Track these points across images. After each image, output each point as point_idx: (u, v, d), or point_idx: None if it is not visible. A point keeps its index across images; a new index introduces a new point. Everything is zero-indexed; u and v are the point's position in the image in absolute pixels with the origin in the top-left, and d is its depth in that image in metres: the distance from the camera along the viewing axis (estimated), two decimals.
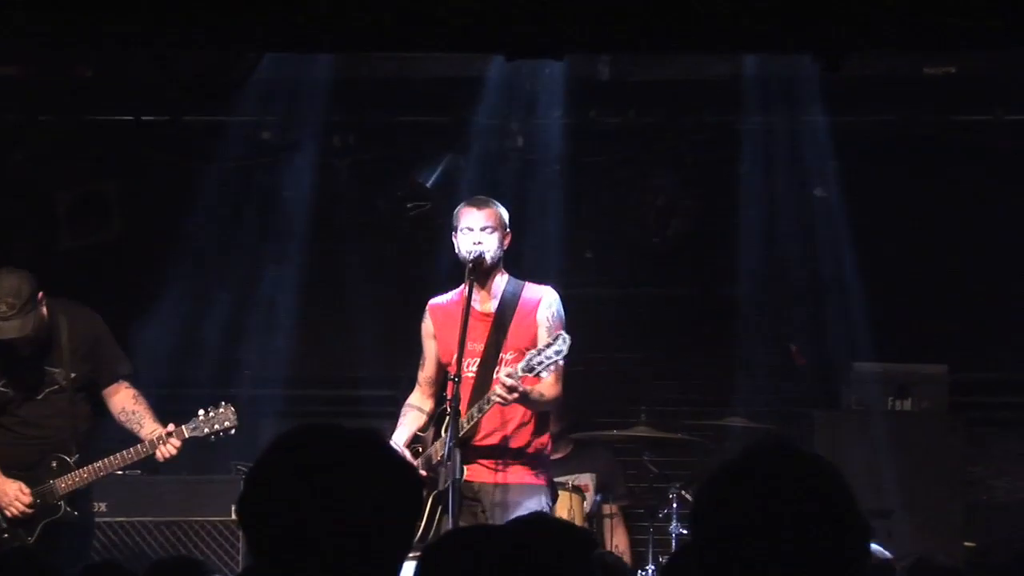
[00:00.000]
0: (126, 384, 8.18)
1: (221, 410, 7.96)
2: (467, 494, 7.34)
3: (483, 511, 7.40)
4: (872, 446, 9.30)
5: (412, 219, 10.15)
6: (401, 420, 7.73)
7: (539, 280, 7.73)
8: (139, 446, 7.98)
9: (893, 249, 10.12)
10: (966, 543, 9.43)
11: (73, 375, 8.08)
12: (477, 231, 7.46)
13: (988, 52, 8.33)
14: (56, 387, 8.08)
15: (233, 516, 9.16)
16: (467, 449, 7.37)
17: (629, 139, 10.25)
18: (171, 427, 7.92)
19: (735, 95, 9.60)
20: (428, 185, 10.00)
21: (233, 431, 7.99)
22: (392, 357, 9.95)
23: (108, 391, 8.17)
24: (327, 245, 10.57)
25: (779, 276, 10.36)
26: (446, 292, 7.70)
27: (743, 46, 5.99)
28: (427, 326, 7.72)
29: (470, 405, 7.36)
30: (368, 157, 10.28)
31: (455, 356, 7.37)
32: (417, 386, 7.79)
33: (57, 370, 8.08)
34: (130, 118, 9.89)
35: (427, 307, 7.74)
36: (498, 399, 7.10)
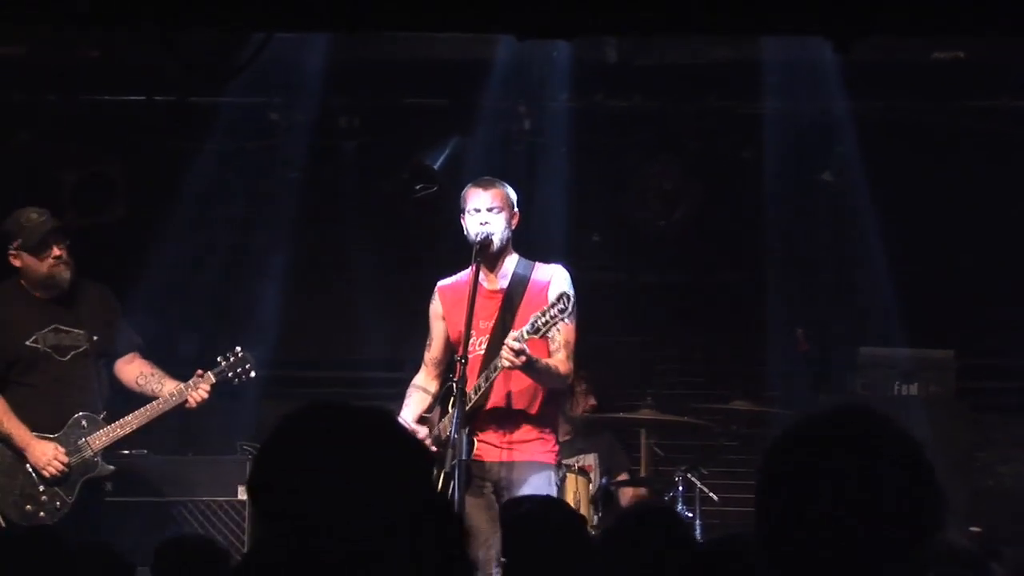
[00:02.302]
0: (140, 355, 8.40)
1: (240, 355, 8.31)
2: (475, 472, 7.34)
3: (491, 489, 7.40)
4: None
5: (418, 202, 10.14)
6: (407, 400, 7.74)
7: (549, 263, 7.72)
8: (168, 396, 8.20)
9: (900, 234, 10.09)
10: (972, 528, 9.43)
11: (96, 337, 8.27)
12: (484, 212, 7.46)
13: (998, 37, 8.29)
14: (81, 349, 8.28)
15: (239, 496, 9.19)
16: (476, 425, 7.38)
17: (635, 123, 10.23)
18: (199, 372, 8.19)
19: (743, 79, 9.58)
20: (435, 167, 9.99)
21: (253, 374, 8.31)
22: (397, 339, 9.96)
23: (123, 360, 8.39)
24: (333, 227, 10.57)
25: (786, 261, 10.35)
26: (455, 273, 7.69)
27: (754, 28, 5.97)
28: (435, 307, 7.72)
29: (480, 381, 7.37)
30: (374, 139, 10.27)
31: (463, 336, 7.36)
32: (423, 366, 7.78)
33: (80, 332, 8.27)
34: (136, 98, 9.88)
35: (436, 288, 7.74)
36: (505, 363, 7.08)
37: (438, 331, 7.71)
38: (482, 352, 7.47)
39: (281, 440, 2.84)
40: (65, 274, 8.23)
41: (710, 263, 10.67)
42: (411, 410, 7.69)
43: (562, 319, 7.08)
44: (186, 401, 8.19)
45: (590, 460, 9.42)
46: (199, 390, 8.17)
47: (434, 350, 7.73)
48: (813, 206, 10.28)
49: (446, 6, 5.63)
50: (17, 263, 8.27)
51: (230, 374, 8.28)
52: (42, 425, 8.19)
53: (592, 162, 10.33)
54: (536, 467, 7.45)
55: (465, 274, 7.56)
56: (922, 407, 9.72)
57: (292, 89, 9.81)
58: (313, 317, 10.79)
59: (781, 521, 2.59)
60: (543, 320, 7.02)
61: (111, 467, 8.32)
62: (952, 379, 9.89)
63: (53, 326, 8.25)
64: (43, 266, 8.21)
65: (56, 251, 8.17)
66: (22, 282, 8.31)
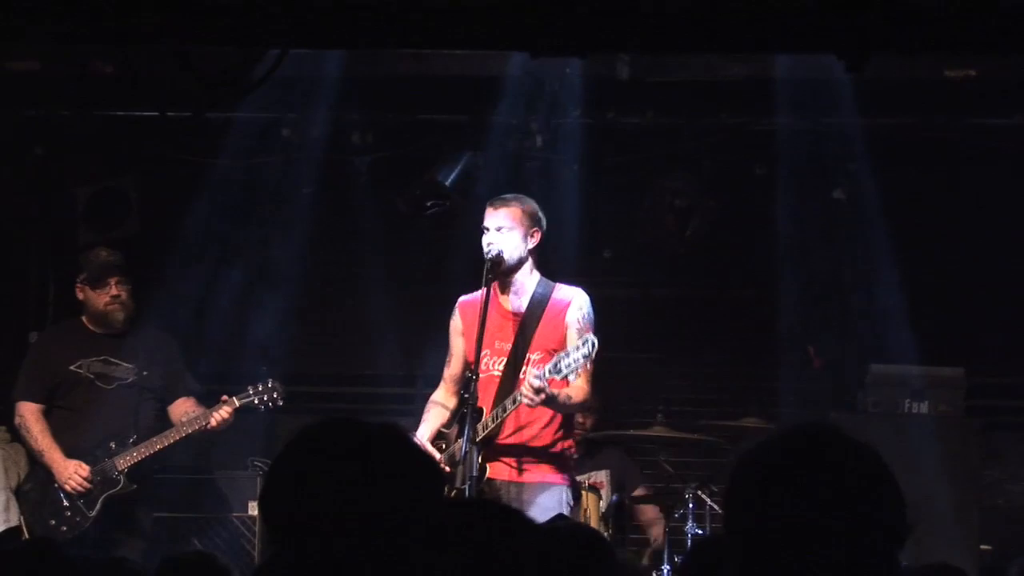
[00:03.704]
0: (194, 400, 8.68)
1: (270, 385, 8.51)
2: (487, 491, 7.33)
3: None
4: (888, 449, 9.28)
5: (431, 218, 10.16)
6: (425, 416, 7.74)
7: (560, 279, 7.72)
8: (194, 418, 8.46)
9: (911, 252, 10.09)
10: (982, 547, 9.42)
11: (145, 373, 8.61)
12: (492, 231, 7.48)
13: (1010, 56, 8.30)
14: (127, 381, 8.60)
15: (250, 512, 9.22)
16: (490, 447, 7.38)
17: (647, 139, 10.23)
18: (224, 397, 8.44)
19: (754, 96, 9.59)
20: (447, 184, 10.00)
21: (281, 403, 8.52)
22: (410, 355, 9.97)
23: (175, 404, 8.70)
24: (346, 243, 10.58)
25: (797, 278, 10.34)
26: (475, 290, 7.68)
27: (767, 47, 5.99)
28: (455, 323, 7.72)
29: (496, 403, 7.36)
30: (387, 155, 10.28)
31: (476, 354, 7.37)
32: (442, 382, 7.79)
33: (130, 365, 8.62)
34: (150, 114, 9.90)
35: (456, 304, 7.74)
36: (525, 400, 7.08)
37: (457, 348, 7.71)
38: (499, 373, 7.48)
39: (292, 456, 2.86)
40: (119, 314, 8.67)
41: (722, 280, 10.68)
42: (428, 426, 7.70)
43: (585, 364, 7.10)
44: (208, 424, 8.41)
45: (601, 476, 9.41)
46: (220, 411, 8.39)
47: (453, 367, 7.74)
48: (825, 223, 10.28)
49: (459, 23, 5.65)
50: (80, 296, 8.77)
51: (255, 400, 8.49)
52: (78, 447, 8.50)
53: (604, 179, 10.34)
54: (547, 488, 7.46)
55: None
56: (932, 425, 9.71)
57: (305, 105, 9.83)
58: (325, 332, 10.81)
59: (748, 537, 2.63)
60: (566, 363, 7.03)
61: (134, 485, 8.51)
62: (962, 397, 9.87)
63: (103, 357, 8.62)
64: (100, 302, 8.65)
65: (114, 289, 8.63)
66: (83, 318, 8.78)
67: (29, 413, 8.63)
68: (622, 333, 10.37)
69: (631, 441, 9.70)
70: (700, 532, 8.92)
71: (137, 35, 5.88)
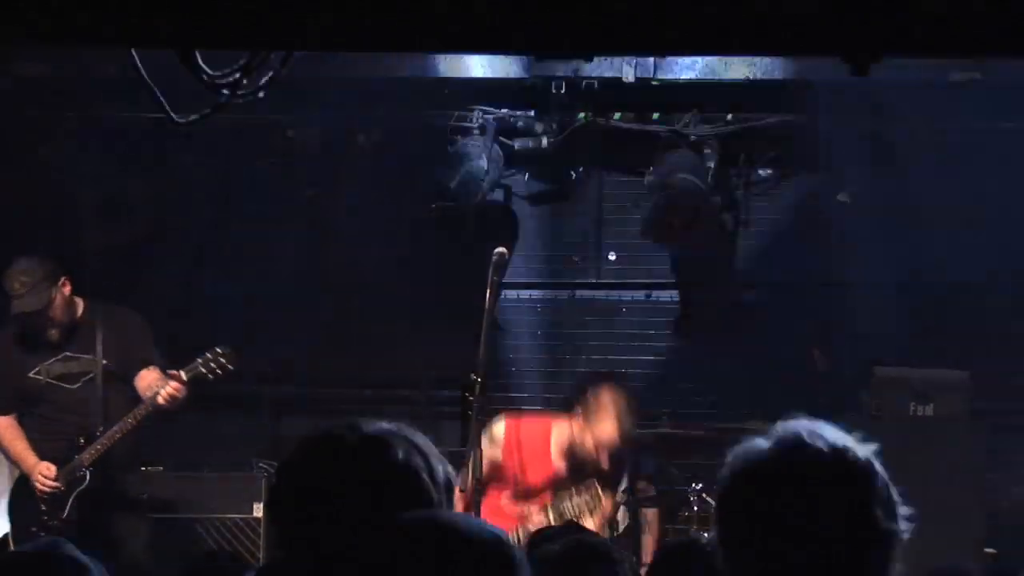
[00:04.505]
0: (157, 370, 8.41)
1: (219, 351, 8.22)
2: None
3: None
4: (893, 452, 9.26)
5: (436, 218, 10.16)
6: None
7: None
8: (144, 402, 8.26)
9: (916, 254, 10.09)
10: (987, 550, 9.41)
11: (105, 362, 8.43)
12: None
13: (1016, 60, 8.29)
14: (91, 375, 8.47)
15: (255, 513, 9.22)
16: None
17: (652, 140, 10.23)
18: (171, 372, 8.21)
19: (759, 97, 9.59)
20: (452, 185, 10.00)
21: (231, 367, 8.22)
22: (415, 356, 9.97)
23: (138, 378, 8.47)
24: (350, 244, 10.58)
25: (802, 280, 10.35)
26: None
27: (772, 49, 5.98)
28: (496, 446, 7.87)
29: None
30: (393, 156, 10.28)
31: None
32: None
33: (90, 356, 8.46)
34: (155, 116, 9.89)
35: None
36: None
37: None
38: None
39: (302, 460, 2.86)
40: (53, 335, 8.48)
41: (726, 282, 10.67)
42: None
43: None
44: (156, 402, 8.21)
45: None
46: (167, 388, 8.17)
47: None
48: (830, 225, 10.27)
49: (466, 25, 5.65)
50: None
51: (204, 370, 8.24)
52: (53, 451, 8.44)
53: (608, 180, 10.35)
54: None
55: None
56: (937, 428, 9.70)
57: (310, 106, 9.84)
58: (330, 334, 10.80)
59: (741, 547, 2.64)
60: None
61: (98, 482, 8.39)
62: (967, 400, 9.86)
63: (62, 355, 8.49)
64: (28, 326, 8.48)
65: (32, 319, 8.38)
66: None
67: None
68: (627, 335, 10.38)
69: (636, 442, 9.69)
70: (705, 534, 8.92)
71: (142, 38, 5.89)
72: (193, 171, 10.15)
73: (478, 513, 7.13)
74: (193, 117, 6.20)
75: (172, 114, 6.18)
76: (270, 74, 5.72)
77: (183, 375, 8.21)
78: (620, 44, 6.26)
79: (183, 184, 10.19)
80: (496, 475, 7.69)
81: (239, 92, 5.71)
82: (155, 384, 8.30)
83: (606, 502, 7.93)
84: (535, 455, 7.84)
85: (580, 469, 7.87)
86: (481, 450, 7.27)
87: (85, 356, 8.51)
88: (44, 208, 10.24)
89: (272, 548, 8.24)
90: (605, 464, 7.86)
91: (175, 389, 8.18)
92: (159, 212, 10.25)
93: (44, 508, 8.40)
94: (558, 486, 7.88)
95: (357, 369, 10.84)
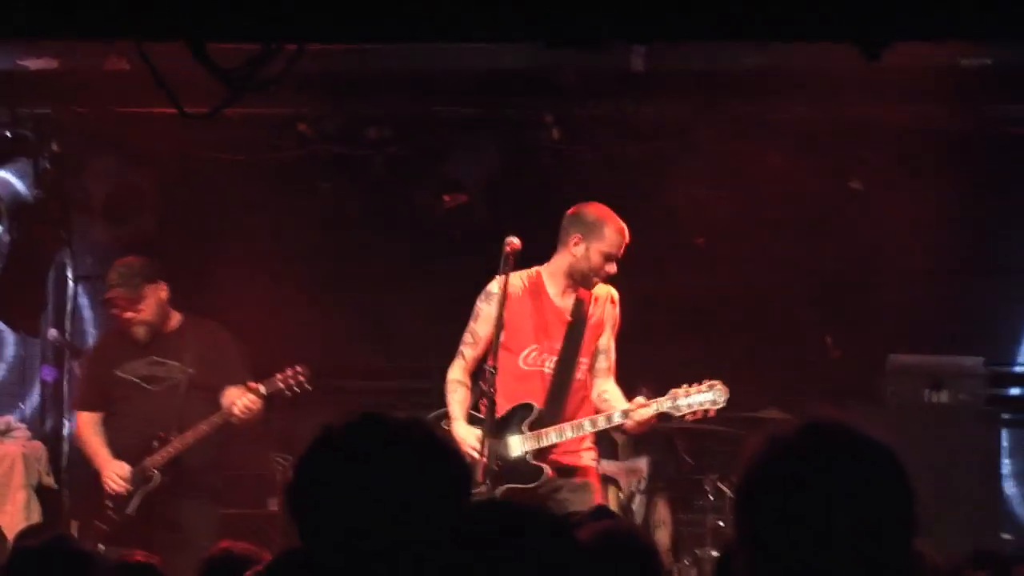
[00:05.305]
0: (242, 388, 8.61)
1: (297, 370, 8.46)
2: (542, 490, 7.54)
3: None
4: (908, 439, 9.26)
5: (448, 211, 10.15)
6: (451, 396, 7.73)
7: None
8: (222, 411, 8.55)
9: (930, 240, 10.06)
10: (1003, 535, 9.41)
11: (191, 371, 8.68)
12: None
13: None
14: (174, 381, 8.72)
15: (271, 508, 9.26)
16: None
17: (663, 130, 10.21)
18: (251, 384, 8.48)
19: (770, 85, 9.56)
20: (463, 177, 10.00)
21: (309, 387, 8.48)
22: (427, 349, 9.96)
23: (224, 393, 8.71)
24: (363, 238, 10.58)
25: (814, 268, 10.33)
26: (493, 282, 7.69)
27: (783, 35, 5.96)
28: (494, 309, 7.67)
29: (549, 401, 7.50)
30: (403, 149, 10.27)
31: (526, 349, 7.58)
32: (461, 360, 7.79)
33: (176, 364, 8.74)
34: (166, 111, 9.89)
35: (500, 291, 7.67)
36: (629, 425, 7.52)
37: (486, 331, 7.66)
38: (549, 371, 7.65)
39: (322, 449, 2.86)
40: (139, 330, 8.82)
41: (739, 271, 10.65)
42: (461, 408, 7.68)
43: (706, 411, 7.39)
44: (232, 413, 8.48)
45: (642, 464, 9.45)
46: (243, 401, 8.43)
47: (479, 349, 7.71)
48: (842, 212, 10.25)
49: (473, 15, 5.65)
50: None
51: (281, 385, 8.46)
52: (127, 449, 8.69)
53: (619, 171, 10.33)
54: (584, 477, 7.70)
55: (526, 281, 7.66)
56: (952, 415, 9.69)
57: (321, 100, 9.83)
58: (343, 327, 10.80)
59: (761, 537, 2.62)
60: (685, 404, 7.28)
61: (167, 479, 8.61)
62: (982, 387, 9.85)
63: (150, 357, 8.79)
64: (121, 320, 8.87)
65: (125, 312, 8.79)
66: None
67: (81, 422, 8.96)
68: (639, 325, 10.36)
69: (651, 432, 9.70)
70: (721, 524, 8.94)
71: (154, 31, 5.89)
72: (204, 165, 10.14)
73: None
74: (204, 111, 6.21)
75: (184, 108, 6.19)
76: (282, 67, 5.73)
77: (261, 389, 8.45)
78: (627, 32, 6.27)
79: (194, 179, 10.18)
80: (504, 335, 7.63)
81: (250, 85, 5.72)
82: (234, 396, 8.54)
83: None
84: (535, 296, 7.77)
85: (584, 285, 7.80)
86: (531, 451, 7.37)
87: (171, 362, 8.77)
88: (55, 204, 10.22)
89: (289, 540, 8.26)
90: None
91: (252, 403, 8.46)
92: (169, 207, 10.23)
93: (110, 504, 8.61)
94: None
95: (370, 361, 10.85)
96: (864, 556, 2.55)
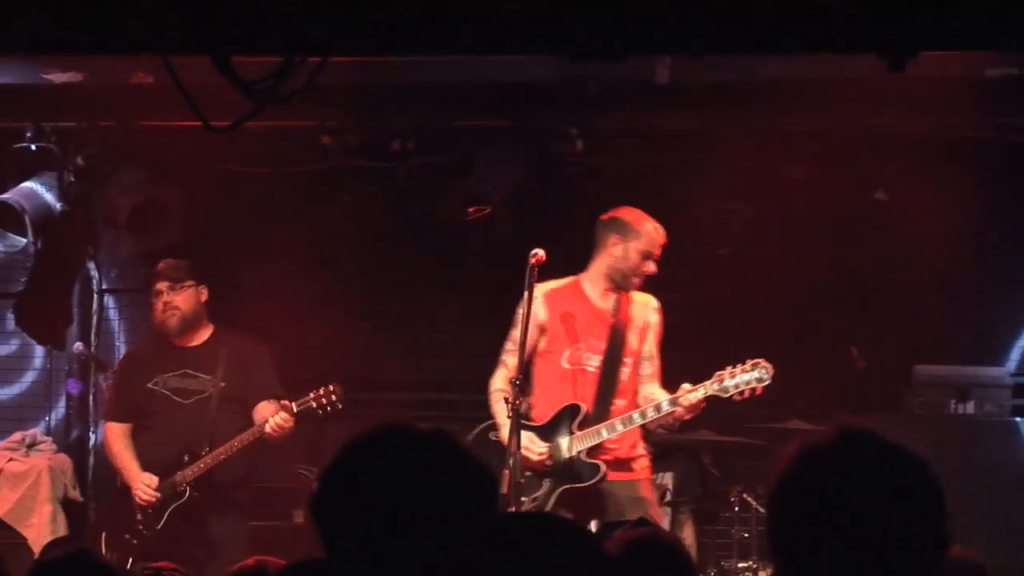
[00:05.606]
0: (275, 403, 8.60)
1: (331, 388, 8.40)
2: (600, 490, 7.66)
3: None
4: (934, 450, 9.21)
5: (472, 223, 10.15)
6: (497, 406, 7.72)
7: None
8: (254, 427, 8.53)
9: (954, 251, 10.03)
10: None
11: (223, 384, 8.69)
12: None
13: None
14: (206, 394, 8.73)
15: (295, 520, 9.26)
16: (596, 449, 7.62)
17: (686, 142, 10.20)
18: (284, 402, 8.44)
19: (795, 97, 9.54)
20: (487, 189, 10.00)
21: (340, 405, 8.41)
22: (452, 361, 9.97)
23: (256, 408, 8.72)
24: (387, 250, 10.59)
25: (839, 279, 10.31)
26: (520, 294, 7.70)
27: (807, 47, 5.96)
28: (537, 311, 7.73)
29: (598, 402, 7.51)
30: (428, 162, 10.28)
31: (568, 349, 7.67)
32: (503, 368, 7.80)
33: (209, 377, 8.74)
34: (190, 124, 9.90)
35: (541, 294, 7.71)
36: (680, 411, 7.59)
37: (531, 335, 7.68)
38: (593, 369, 7.64)
39: (346, 461, 2.86)
40: (171, 321, 8.84)
41: (763, 282, 10.63)
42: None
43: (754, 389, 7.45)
44: (264, 430, 8.46)
45: (667, 479, 9.44)
46: (276, 418, 8.39)
47: (520, 355, 7.63)
48: (866, 223, 10.23)
49: (498, 28, 5.65)
50: None
51: (315, 404, 8.41)
52: (157, 462, 8.68)
53: (643, 183, 10.32)
54: (634, 483, 7.82)
55: (566, 287, 7.70)
56: (978, 425, 9.67)
57: (344, 113, 9.84)
58: (367, 339, 10.80)
59: (795, 540, 2.62)
60: (733, 384, 7.27)
61: (196, 495, 8.60)
62: (1008, 397, 9.83)
63: (182, 370, 8.78)
64: (155, 311, 8.91)
65: (166, 295, 8.85)
66: None
67: (110, 433, 8.94)
68: (665, 336, 10.35)
69: (677, 445, 9.69)
70: (746, 535, 8.91)
71: (179, 45, 5.91)
72: (228, 178, 10.16)
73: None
74: (227, 124, 6.22)
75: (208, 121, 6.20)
76: (305, 79, 5.73)
77: (294, 407, 8.42)
78: (651, 45, 6.27)
79: (218, 192, 10.20)
80: (544, 341, 7.67)
81: (273, 98, 5.73)
82: (267, 412, 8.52)
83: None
84: (575, 300, 7.82)
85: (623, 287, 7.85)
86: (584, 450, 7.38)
87: (204, 376, 8.78)
88: (80, 217, 10.24)
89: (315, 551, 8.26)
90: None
91: (284, 420, 8.42)
92: (193, 220, 10.25)
93: (140, 517, 8.61)
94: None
95: (396, 373, 10.85)
96: (897, 566, 2.54)
